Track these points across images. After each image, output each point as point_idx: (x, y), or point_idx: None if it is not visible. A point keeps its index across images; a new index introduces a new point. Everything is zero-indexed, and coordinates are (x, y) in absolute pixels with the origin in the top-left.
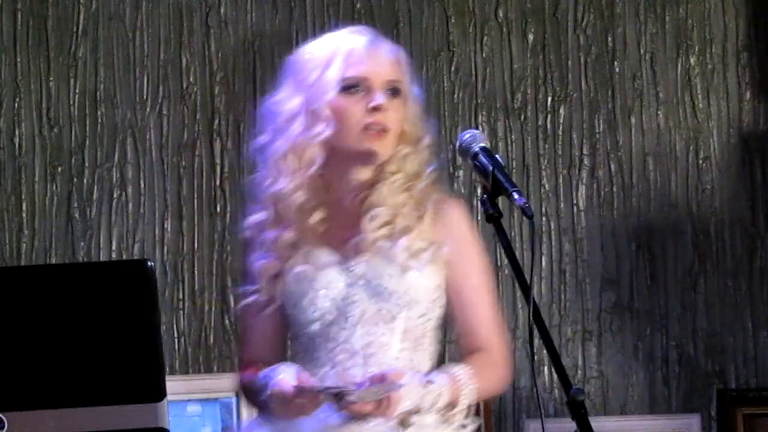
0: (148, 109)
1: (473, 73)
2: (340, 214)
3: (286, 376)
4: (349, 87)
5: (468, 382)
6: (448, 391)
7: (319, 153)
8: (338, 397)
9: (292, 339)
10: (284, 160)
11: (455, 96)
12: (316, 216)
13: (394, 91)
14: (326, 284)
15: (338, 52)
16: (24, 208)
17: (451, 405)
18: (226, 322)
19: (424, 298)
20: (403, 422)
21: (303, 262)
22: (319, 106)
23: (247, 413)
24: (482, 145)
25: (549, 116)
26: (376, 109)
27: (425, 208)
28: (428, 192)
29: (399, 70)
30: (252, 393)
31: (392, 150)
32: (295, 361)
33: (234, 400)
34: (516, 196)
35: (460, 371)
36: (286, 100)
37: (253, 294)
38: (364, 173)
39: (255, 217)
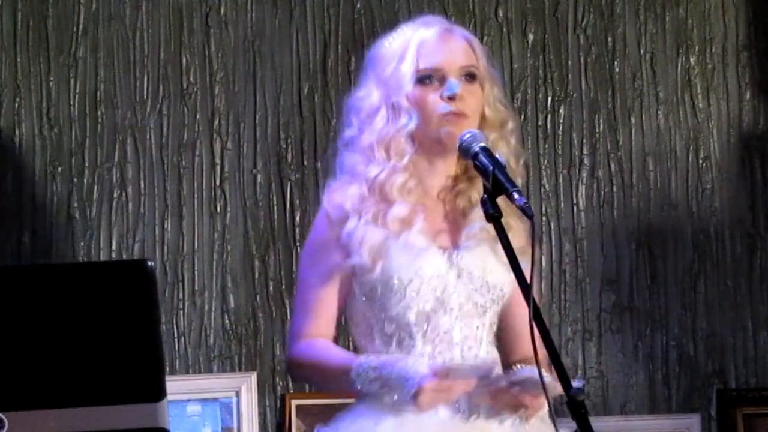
0: (148, 109)
1: None
2: (435, 207)
3: (422, 366)
4: (424, 78)
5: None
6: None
7: (405, 143)
8: (487, 380)
9: (370, 324)
10: (372, 152)
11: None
12: (419, 199)
13: (470, 77)
14: (432, 273)
15: (411, 44)
16: (24, 208)
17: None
18: (226, 322)
19: (510, 295)
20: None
21: (414, 243)
22: (398, 100)
23: (247, 413)
24: (482, 145)
25: (549, 116)
26: (451, 98)
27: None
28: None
29: (473, 56)
30: (319, 374)
31: None
32: (380, 347)
33: (234, 400)
34: (516, 196)
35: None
36: (366, 95)
37: (353, 259)
38: (450, 163)
39: (352, 187)
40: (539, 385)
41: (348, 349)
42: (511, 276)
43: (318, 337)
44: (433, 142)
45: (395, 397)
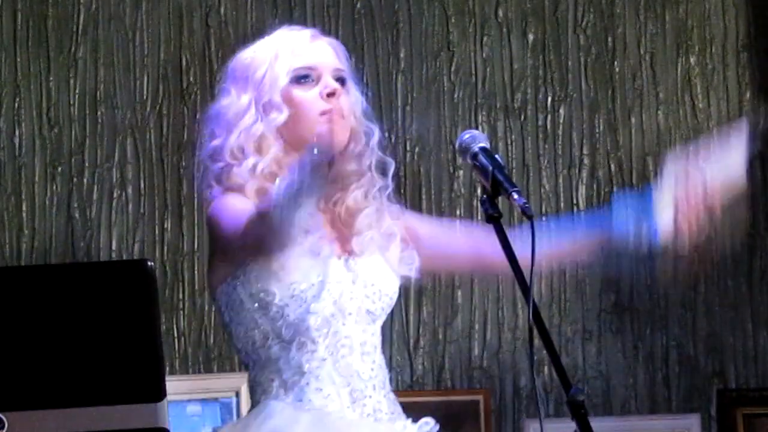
0: (148, 109)
1: (473, 73)
2: (317, 215)
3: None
4: (300, 77)
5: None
6: None
7: (275, 140)
8: None
9: (265, 331)
10: (241, 151)
11: (455, 96)
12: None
13: (341, 80)
14: (332, 277)
15: (282, 46)
16: (24, 208)
17: None
18: None
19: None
20: None
21: (315, 248)
22: (271, 97)
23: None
24: (482, 145)
25: (549, 116)
26: (330, 95)
27: (382, 204)
28: (388, 189)
29: (341, 61)
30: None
31: (346, 138)
32: (277, 353)
33: (234, 400)
34: (516, 196)
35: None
36: (232, 101)
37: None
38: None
39: (250, 186)
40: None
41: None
42: (397, 284)
43: None
44: (307, 143)
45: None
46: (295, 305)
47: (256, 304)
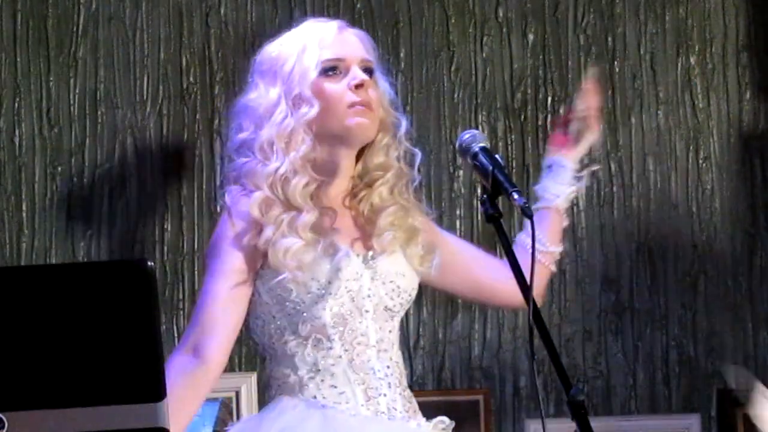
0: (148, 109)
1: (473, 73)
2: (340, 208)
3: None
4: (328, 69)
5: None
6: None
7: (306, 134)
8: None
9: (281, 327)
10: (271, 146)
11: (455, 96)
12: (324, 203)
13: (369, 71)
14: (350, 275)
15: (310, 39)
16: (24, 208)
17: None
18: None
19: (411, 302)
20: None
21: (335, 248)
22: (301, 91)
23: (247, 413)
24: (482, 145)
25: (549, 116)
26: (358, 86)
27: (410, 198)
28: (410, 180)
29: (369, 52)
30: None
31: (375, 131)
32: (293, 349)
33: (234, 400)
34: (516, 196)
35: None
36: (262, 95)
37: (280, 275)
38: (350, 162)
39: (258, 194)
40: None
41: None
42: (416, 282)
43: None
44: (338, 134)
45: None
46: (311, 302)
47: (274, 300)
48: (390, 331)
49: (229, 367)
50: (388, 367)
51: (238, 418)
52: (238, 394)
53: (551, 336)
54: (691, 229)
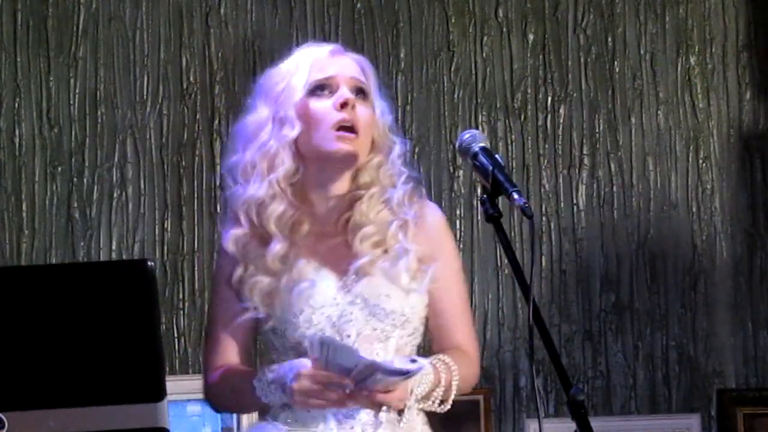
0: (148, 109)
1: (473, 73)
2: (326, 231)
3: (304, 362)
4: (316, 89)
5: (454, 367)
6: (436, 374)
7: (287, 155)
8: (367, 372)
9: (277, 354)
10: (253, 168)
11: (455, 96)
12: (303, 229)
13: (361, 92)
14: (324, 301)
15: (303, 60)
16: (24, 208)
17: (445, 388)
18: None
19: (417, 317)
20: (401, 410)
21: (299, 278)
22: (285, 112)
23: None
24: (482, 145)
25: (549, 116)
26: (344, 105)
27: (406, 217)
28: (405, 201)
29: (363, 74)
30: (230, 392)
31: (365, 154)
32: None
33: None
34: (516, 196)
35: (447, 358)
36: (254, 116)
37: (246, 312)
38: (339, 182)
39: (235, 231)
40: (384, 379)
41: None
42: (420, 301)
43: (226, 364)
44: (323, 157)
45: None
46: (291, 329)
47: (268, 330)
48: (377, 354)
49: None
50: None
51: (238, 418)
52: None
53: (551, 336)
54: (691, 229)
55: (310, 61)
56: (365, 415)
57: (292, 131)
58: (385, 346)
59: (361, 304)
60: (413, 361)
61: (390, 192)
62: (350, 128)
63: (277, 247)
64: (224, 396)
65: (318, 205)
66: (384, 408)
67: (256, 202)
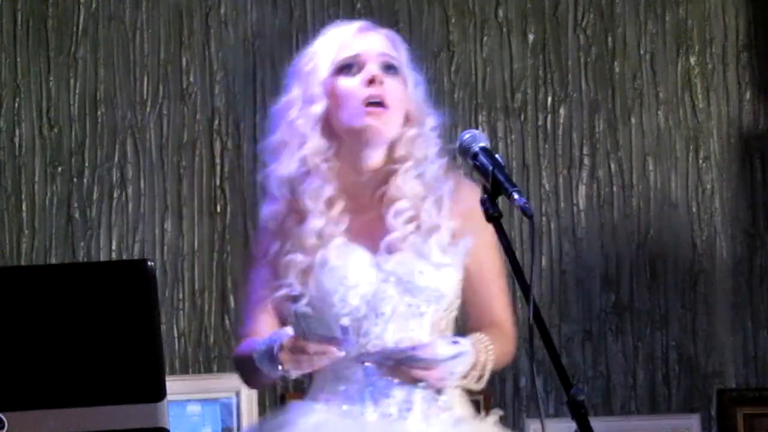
0: (148, 109)
1: (473, 73)
2: (360, 207)
3: (289, 329)
4: (343, 67)
5: (490, 346)
6: (475, 355)
7: (316, 132)
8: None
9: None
10: (284, 146)
11: (455, 96)
12: (339, 205)
13: (390, 68)
14: (358, 280)
15: (330, 39)
16: (24, 208)
17: (480, 368)
18: (226, 322)
19: (451, 292)
20: (439, 389)
21: (334, 257)
22: (313, 90)
23: (247, 413)
24: (482, 145)
25: (549, 116)
26: (371, 82)
27: (441, 192)
28: (440, 175)
29: (392, 49)
30: (242, 363)
31: (396, 129)
32: None
33: (234, 400)
34: (516, 195)
35: (485, 338)
36: (286, 96)
37: (282, 288)
38: (373, 157)
39: (271, 206)
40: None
41: None
42: (453, 275)
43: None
44: (354, 134)
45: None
46: (326, 308)
47: (297, 299)
48: (413, 330)
49: (230, 367)
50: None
51: (238, 418)
52: (238, 394)
53: (551, 336)
54: (691, 229)
55: (337, 40)
56: (400, 392)
57: (316, 107)
58: (420, 322)
59: (395, 281)
60: (455, 342)
61: (424, 165)
62: (379, 103)
63: (313, 222)
64: (241, 369)
65: (352, 180)
66: (420, 385)
67: (290, 179)
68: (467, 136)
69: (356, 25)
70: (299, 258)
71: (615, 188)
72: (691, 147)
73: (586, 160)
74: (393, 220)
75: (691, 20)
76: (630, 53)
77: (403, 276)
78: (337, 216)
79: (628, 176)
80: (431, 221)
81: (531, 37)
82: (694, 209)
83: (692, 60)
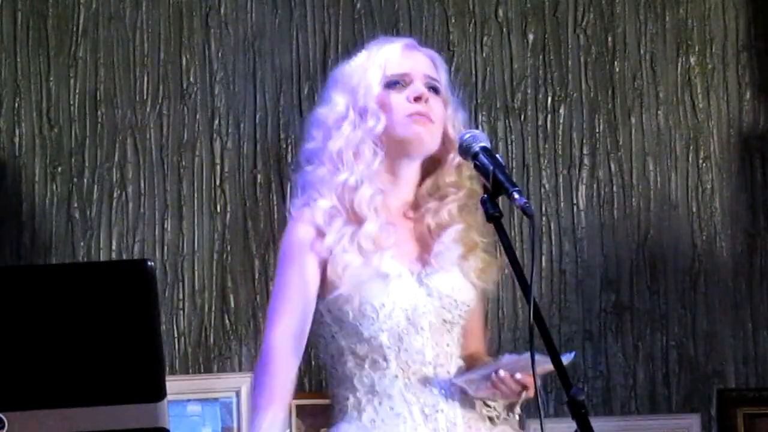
0: (148, 109)
1: (473, 73)
2: (401, 224)
3: None
4: (391, 84)
5: None
6: None
7: (376, 146)
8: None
9: (340, 346)
10: (340, 157)
11: (455, 96)
12: (388, 213)
13: (434, 89)
14: (402, 294)
15: (377, 55)
16: (24, 208)
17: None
18: (226, 322)
19: (472, 308)
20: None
21: (386, 269)
22: (366, 103)
23: (247, 413)
24: (482, 144)
25: (549, 116)
26: (417, 99)
27: (477, 216)
28: (476, 203)
29: (435, 72)
30: None
31: (437, 143)
32: (351, 370)
33: (234, 400)
34: (516, 195)
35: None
36: (331, 107)
37: (336, 290)
38: (410, 168)
39: (323, 202)
40: (528, 366)
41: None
42: (474, 293)
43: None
44: (399, 144)
45: None
46: (367, 323)
47: (333, 319)
48: (447, 345)
49: (230, 367)
50: (446, 381)
51: (238, 418)
52: (238, 394)
53: (551, 336)
54: (691, 229)
55: (384, 56)
56: (448, 408)
57: (378, 125)
58: (452, 337)
59: (435, 297)
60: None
61: (474, 193)
62: (426, 117)
63: (370, 226)
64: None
65: (393, 195)
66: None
67: (349, 187)
68: (467, 135)
69: (402, 42)
70: (357, 261)
71: (615, 188)
72: (691, 147)
73: (586, 160)
74: (441, 239)
75: (691, 20)
76: (630, 53)
77: (444, 291)
78: (387, 226)
79: (628, 176)
80: (474, 240)
81: (531, 37)
82: (694, 209)
83: (692, 60)
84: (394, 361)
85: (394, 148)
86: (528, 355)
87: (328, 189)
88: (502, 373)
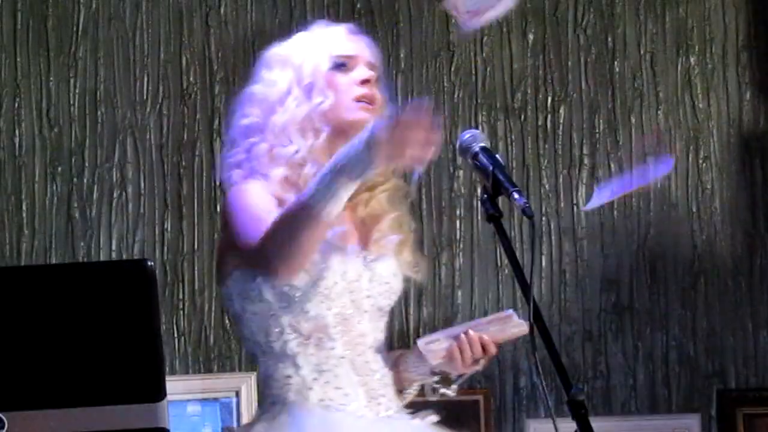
0: (148, 109)
1: (473, 73)
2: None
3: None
4: (339, 64)
5: None
6: None
7: (322, 124)
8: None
9: (290, 325)
10: (285, 131)
11: (455, 96)
12: None
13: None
14: (353, 275)
15: (321, 36)
16: (24, 208)
17: None
18: (226, 322)
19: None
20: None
21: (339, 246)
22: (314, 80)
23: (247, 413)
24: (482, 144)
25: (549, 116)
26: (365, 82)
27: (406, 207)
28: (413, 192)
29: (375, 59)
30: (281, 226)
31: None
32: (294, 349)
33: (234, 400)
34: (516, 195)
35: None
36: (269, 84)
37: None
38: None
39: (278, 173)
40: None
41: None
42: (401, 282)
43: None
44: (342, 127)
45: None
46: (317, 301)
47: (278, 297)
48: (381, 331)
49: (230, 367)
50: (383, 367)
51: (238, 418)
52: (238, 394)
53: (551, 336)
54: (691, 229)
55: (329, 37)
56: (386, 390)
57: (326, 101)
58: (383, 326)
59: (377, 282)
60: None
61: (400, 185)
62: (370, 101)
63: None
64: (279, 237)
65: None
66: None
67: (296, 161)
68: (467, 135)
69: (344, 26)
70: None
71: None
72: (691, 147)
73: (586, 160)
74: (384, 227)
75: (691, 20)
76: (630, 53)
77: (384, 278)
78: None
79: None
80: (404, 234)
81: (531, 37)
82: (694, 209)
83: (692, 60)
84: (340, 341)
85: (336, 129)
86: (500, 314)
87: (279, 160)
88: (472, 333)
